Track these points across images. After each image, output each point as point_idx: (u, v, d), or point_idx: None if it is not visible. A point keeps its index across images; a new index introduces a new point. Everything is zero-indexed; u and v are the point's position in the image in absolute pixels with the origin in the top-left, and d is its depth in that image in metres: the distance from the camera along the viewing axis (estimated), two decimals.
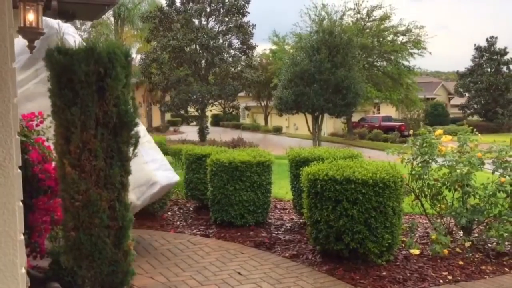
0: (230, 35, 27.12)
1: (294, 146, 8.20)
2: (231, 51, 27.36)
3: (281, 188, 9.19)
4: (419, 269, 4.84)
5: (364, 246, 4.81)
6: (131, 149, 3.41)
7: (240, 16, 27.01)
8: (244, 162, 6.40)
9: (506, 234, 5.33)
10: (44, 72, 4.82)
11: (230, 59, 27.02)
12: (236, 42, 27.53)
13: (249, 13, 27.17)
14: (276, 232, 6.32)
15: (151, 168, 5.21)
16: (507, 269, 5.02)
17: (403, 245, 5.45)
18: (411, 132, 6.75)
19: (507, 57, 49.07)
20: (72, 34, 5.17)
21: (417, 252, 5.23)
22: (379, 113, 44.49)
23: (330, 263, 4.97)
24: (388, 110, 43.25)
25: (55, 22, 5.20)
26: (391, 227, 4.90)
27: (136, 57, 34.68)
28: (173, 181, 5.64)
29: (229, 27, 26.73)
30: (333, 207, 4.88)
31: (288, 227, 6.60)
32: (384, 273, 4.70)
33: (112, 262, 3.32)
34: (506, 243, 5.46)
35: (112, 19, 35.40)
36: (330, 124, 38.84)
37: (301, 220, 6.75)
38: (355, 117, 37.30)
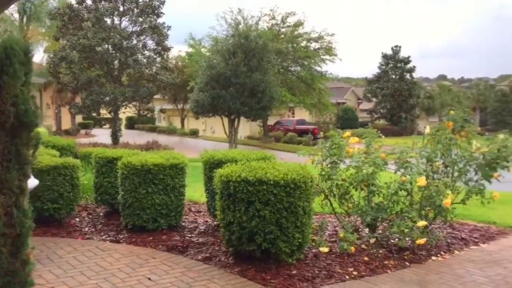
0: (144, 36, 26.49)
1: (210, 149, 8.18)
2: (146, 52, 26.75)
3: (196, 190, 9.12)
4: (327, 266, 5.01)
5: (276, 246, 4.89)
6: (31, 151, 3.21)
7: (155, 17, 26.49)
8: (157, 165, 6.26)
9: (407, 230, 5.67)
10: None
11: (145, 60, 26.41)
12: (150, 43, 26.96)
13: (164, 14, 26.75)
14: (189, 235, 6.25)
15: None
16: (407, 263, 5.35)
17: (313, 244, 5.61)
18: (321, 134, 6.99)
19: (410, 65, 52.70)
20: None
21: (326, 250, 5.41)
22: (293, 117, 45.72)
23: (243, 264, 4.99)
24: (302, 114, 44.59)
25: None
26: (302, 227, 5.03)
27: (44, 56, 32.81)
28: (34, 185, 5.35)
29: (144, 27, 26.10)
30: (245, 208, 4.91)
31: (202, 230, 6.55)
32: (294, 272, 4.81)
33: (8, 272, 3.09)
34: (407, 238, 5.79)
35: (16, 15, 33.24)
36: (246, 127, 39.26)
37: (215, 223, 6.73)
38: (271, 121, 38.03)
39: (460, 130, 6.18)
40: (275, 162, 5.88)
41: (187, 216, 7.31)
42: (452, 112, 6.26)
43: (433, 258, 5.66)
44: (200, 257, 5.32)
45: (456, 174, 6.19)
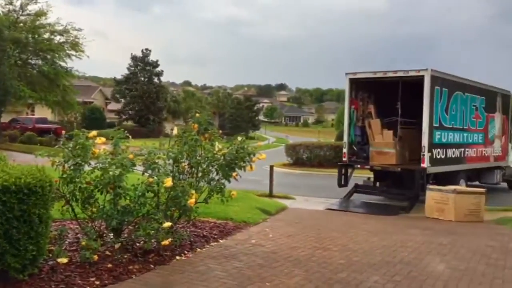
0: None
1: None
2: None
3: None
4: (66, 279, 4.56)
5: (4, 262, 4.20)
6: None
7: None
8: None
9: (153, 232, 5.62)
10: None
11: None
12: None
13: None
14: None
15: None
16: (152, 266, 5.30)
17: (51, 255, 5.04)
18: (63, 132, 6.38)
19: (159, 69, 54.11)
20: None
21: (65, 260, 4.90)
22: (33, 114, 41.69)
23: None
24: (43, 112, 40.92)
25: None
26: (37, 237, 4.45)
27: None
28: None
29: None
30: None
31: None
32: None
33: None
34: (153, 240, 5.75)
35: None
36: None
37: None
38: (5, 118, 33.75)
39: (204, 132, 6.47)
40: (5, 164, 5.07)
41: None
42: (197, 115, 6.51)
43: (178, 257, 5.77)
44: None
45: (200, 174, 6.45)
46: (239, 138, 6.45)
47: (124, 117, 53.72)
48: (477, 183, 16.55)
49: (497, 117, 17.12)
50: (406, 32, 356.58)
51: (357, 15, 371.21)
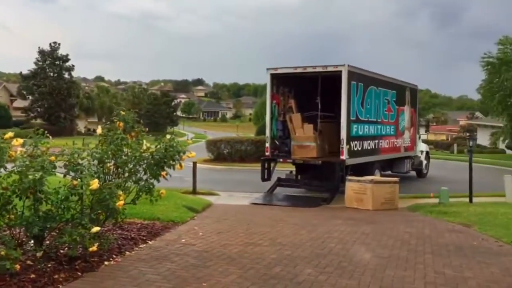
0: None
1: None
2: None
3: None
4: None
5: None
6: None
7: None
8: None
9: (79, 237, 5.30)
10: None
11: None
12: None
13: None
14: None
15: None
16: (79, 273, 5.01)
17: None
18: None
19: (69, 63, 51.47)
20: None
21: None
22: None
23: None
24: None
25: None
26: None
27: None
28: None
29: None
30: None
31: None
32: None
33: None
34: (79, 246, 5.43)
35: None
36: None
37: None
38: None
39: (130, 131, 6.22)
40: None
41: None
42: (122, 112, 6.24)
43: (106, 263, 5.51)
44: None
45: (127, 174, 6.19)
46: (168, 136, 6.27)
47: (32, 115, 50.64)
48: (389, 172, 17.56)
49: (406, 110, 18.26)
50: (318, 29, 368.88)
51: (270, 11, 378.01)
